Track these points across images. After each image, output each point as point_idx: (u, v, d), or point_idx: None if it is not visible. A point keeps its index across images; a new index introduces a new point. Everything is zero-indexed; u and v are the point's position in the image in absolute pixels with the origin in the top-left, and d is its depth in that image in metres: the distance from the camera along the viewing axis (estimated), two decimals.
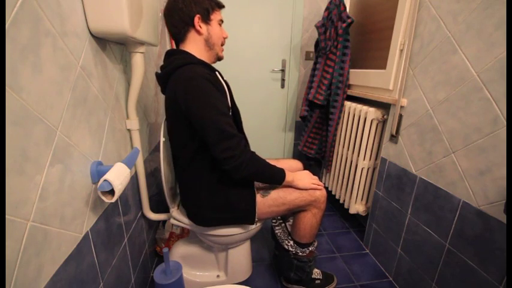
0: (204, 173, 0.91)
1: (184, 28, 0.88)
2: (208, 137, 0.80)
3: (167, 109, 0.88)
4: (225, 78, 0.98)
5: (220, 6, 0.93)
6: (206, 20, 0.89)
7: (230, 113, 0.87)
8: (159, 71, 0.90)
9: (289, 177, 0.95)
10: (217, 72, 0.93)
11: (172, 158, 0.98)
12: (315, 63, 1.63)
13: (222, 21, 0.94)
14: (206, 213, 0.94)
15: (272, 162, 1.22)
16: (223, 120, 0.80)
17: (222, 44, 0.96)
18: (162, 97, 1.55)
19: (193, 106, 0.79)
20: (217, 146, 0.80)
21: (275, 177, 0.93)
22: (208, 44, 0.92)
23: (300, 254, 1.05)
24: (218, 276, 1.15)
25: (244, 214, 0.95)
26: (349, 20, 1.37)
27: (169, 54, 0.90)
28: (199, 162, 0.90)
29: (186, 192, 0.96)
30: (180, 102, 0.80)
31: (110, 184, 0.60)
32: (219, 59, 0.98)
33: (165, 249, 0.82)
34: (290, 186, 0.98)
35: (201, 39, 0.90)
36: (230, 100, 0.92)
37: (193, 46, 0.91)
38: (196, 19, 0.87)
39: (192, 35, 0.90)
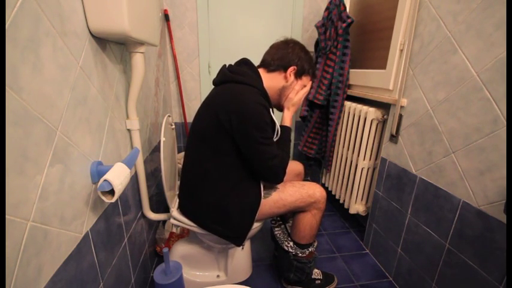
0: (215, 181, 0.90)
1: (278, 68, 0.95)
2: (255, 159, 0.85)
3: (206, 113, 0.88)
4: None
5: (313, 77, 1.02)
6: (298, 75, 0.96)
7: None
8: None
9: (289, 122, 1.01)
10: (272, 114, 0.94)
11: (186, 152, 0.97)
12: (315, 63, 1.63)
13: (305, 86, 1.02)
14: (199, 214, 0.95)
15: None
16: (268, 142, 0.85)
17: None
18: (162, 97, 1.54)
19: (245, 127, 0.81)
20: (265, 166, 0.86)
21: (289, 143, 0.99)
22: (281, 92, 0.97)
23: (300, 255, 1.05)
24: (218, 276, 1.15)
25: (234, 234, 0.94)
26: (349, 20, 1.37)
27: (243, 64, 0.93)
28: (218, 172, 0.89)
29: (188, 188, 0.95)
30: (226, 118, 0.81)
31: (110, 184, 0.60)
32: (276, 108, 1.03)
33: (165, 249, 0.82)
34: (292, 185, 0.99)
35: (280, 84, 0.96)
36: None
37: (269, 81, 0.95)
38: (291, 69, 0.94)
39: (277, 75, 0.95)
